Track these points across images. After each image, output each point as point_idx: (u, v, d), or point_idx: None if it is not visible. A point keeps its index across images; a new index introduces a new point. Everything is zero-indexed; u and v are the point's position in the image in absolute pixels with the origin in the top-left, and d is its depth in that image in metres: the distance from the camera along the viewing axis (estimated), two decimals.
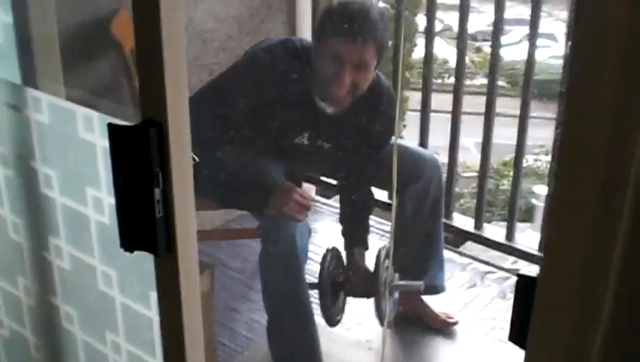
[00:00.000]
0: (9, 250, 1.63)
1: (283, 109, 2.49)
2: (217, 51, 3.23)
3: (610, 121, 0.73)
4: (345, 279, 2.66)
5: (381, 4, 3.24)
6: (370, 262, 2.71)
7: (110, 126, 1.14)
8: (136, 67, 2.80)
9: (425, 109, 3.46)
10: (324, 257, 2.56)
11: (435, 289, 2.83)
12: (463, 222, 3.47)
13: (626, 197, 0.72)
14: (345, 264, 2.69)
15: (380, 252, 2.62)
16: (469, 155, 9.97)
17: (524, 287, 0.90)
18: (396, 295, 2.74)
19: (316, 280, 2.56)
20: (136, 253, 1.20)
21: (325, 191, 3.74)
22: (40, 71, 1.42)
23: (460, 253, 3.39)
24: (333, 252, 2.60)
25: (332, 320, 2.64)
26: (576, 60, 0.75)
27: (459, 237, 3.61)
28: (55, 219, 1.45)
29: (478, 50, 16.14)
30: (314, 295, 2.56)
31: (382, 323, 2.62)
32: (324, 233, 3.47)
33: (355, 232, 2.78)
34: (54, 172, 1.40)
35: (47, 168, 1.42)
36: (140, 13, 1.08)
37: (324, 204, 3.76)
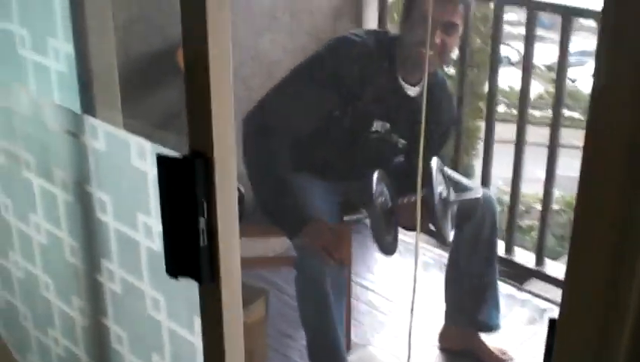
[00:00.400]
0: (66, 271, 1.68)
1: (365, 93, 2.55)
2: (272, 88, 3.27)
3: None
4: (395, 206, 2.58)
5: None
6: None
7: (159, 157, 1.18)
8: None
9: (488, 139, 3.44)
10: (370, 180, 2.51)
11: (490, 327, 2.81)
12: (526, 258, 3.43)
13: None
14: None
15: (430, 167, 2.51)
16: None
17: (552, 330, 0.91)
18: (455, 208, 2.63)
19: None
20: (182, 279, 1.23)
21: None
22: (98, 100, 1.48)
23: (520, 289, 3.35)
24: (380, 175, 2.54)
25: (386, 247, 2.58)
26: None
27: (520, 274, 3.56)
28: (108, 243, 1.49)
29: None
30: None
31: (444, 242, 2.61)
32: (384, 262, 3.47)
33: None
34: (108, 197, 1.45)
35: (102, 193, 1.47)
36: (189, 51, 1.12)
37: None
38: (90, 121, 1.43)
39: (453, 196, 2.57)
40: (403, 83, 2.61)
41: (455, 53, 3.18)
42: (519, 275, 3.65)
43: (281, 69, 3.21)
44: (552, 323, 0.92)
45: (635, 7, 0.71)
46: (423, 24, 2.40)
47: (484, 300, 2.77)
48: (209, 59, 1.09)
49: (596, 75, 0.76)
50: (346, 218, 2.69)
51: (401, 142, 2.66)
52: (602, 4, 0.74)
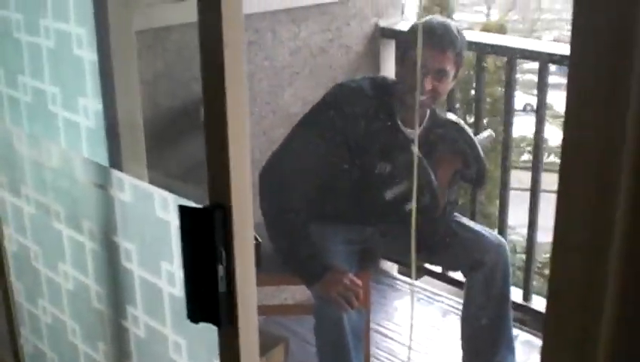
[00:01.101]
0: (92, 317, 1.76)
1: (366, 136, 2.66)
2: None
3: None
4: None
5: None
6: None
7: (181, 208, 1.26)
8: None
9: (505, 188, 3.51)
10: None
11: None
12: (544, 304, 3.47)
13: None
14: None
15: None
16: None
17: None
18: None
19: None
20: (201, 324, 1.31)
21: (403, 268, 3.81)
22: (125, 154, 1.57)
23: (536, 335, 3.38)
24: None
25: None
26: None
27: (537, 321, 3.60)
28: (133, 290, 1.57)
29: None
30: None
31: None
32: (403, 310, 3.52)
33: None
34: (134, 246, 1.53)
35: (127, 243, 1.55)
36: (209, 107, 1.21)
37: (404, 282, 3.81)
38: (117, 174, 1.52)
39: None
40: (402, 126, 2.71)
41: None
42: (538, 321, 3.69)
43: None
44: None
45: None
46: (415, 71, 2.52)
47: (498, 344, 2.81)
48: (227, 115, 1.17)
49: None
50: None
51: (406, 184, 2.74)
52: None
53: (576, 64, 0.85)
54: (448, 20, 2.75)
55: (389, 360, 3.22)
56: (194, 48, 1.13)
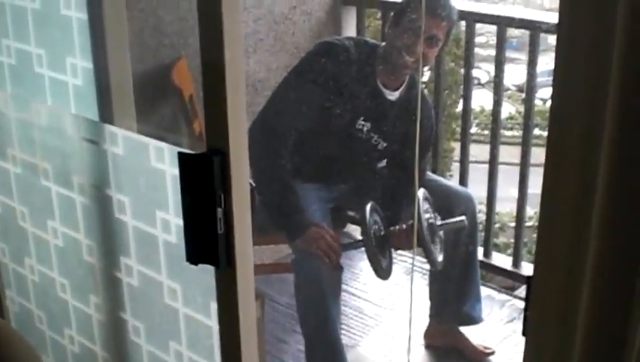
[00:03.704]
0: (82, 270, 1.82)
1: (347, 91, 2.75)
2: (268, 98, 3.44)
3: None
4: (388, 233, 2.77)
5: None
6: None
7: (180, 154, 1.33)
8: (195, 110, 3.02)
9: (464, 160, 3.61)
10: (364, 212, 2.70)
11: (473, 319, 2.98)
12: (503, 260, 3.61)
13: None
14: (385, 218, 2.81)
15: (417, 199, 2.67)
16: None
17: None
18: (441, 233, 2.81)
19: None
20: (198, 267, 1.38)
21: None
22: (116, 109, 1.63)
23: (499, 291, 3.51)
24: (372, 206, 2.73)
25: (382, 273, 2.76)
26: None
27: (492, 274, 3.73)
28: (126, 241, 1.63)
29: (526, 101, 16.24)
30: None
31: (435, 266, 2.77)
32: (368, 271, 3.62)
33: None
34: (127, 198, 1.59)
35: (120, 195, 1.61)
36: (207, 58, 1.27)
37: None
38: (110, 128, 1.58)
39: (439, 222, 2.75)
40: (382, 87, 2.79)
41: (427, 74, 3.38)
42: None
43: (266, 86, 3.38)
44: (528, 279, 1.10)
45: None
46: (409, 33, 2.65)
47: (466, 294, 2.93)
48: (225, 65, 1.24)
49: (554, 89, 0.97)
50: (343, 245, 2.86)
51: (382, 144, 2.83)
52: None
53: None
54: None
55: (357, 316, 3.33)
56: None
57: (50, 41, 1.73)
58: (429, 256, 2.73)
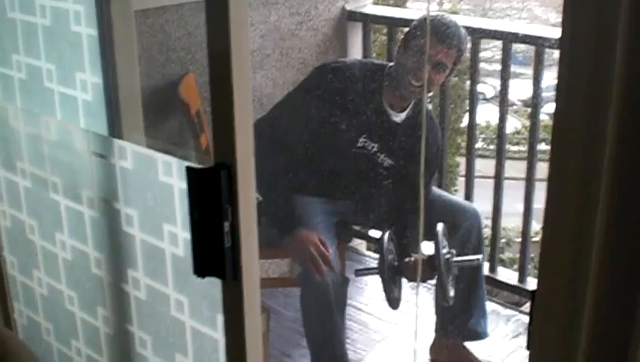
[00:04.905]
0: (90, 283, 1.84)
1: (351, 110, 2.79)
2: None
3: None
4: (403, 265, 2.81)
5: None
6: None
7: (188, 169, 1.35)
8: (202, 124, 3.04)
9: (469, 174, 3.63)
10: (381, 242, 2.75)
11: (478, 335, 2.98)
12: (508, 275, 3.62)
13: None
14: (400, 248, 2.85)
15: (437, 233, 2.73)
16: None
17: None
18: (455, 271, 2.85)
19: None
20: (205, 280, 1.39)
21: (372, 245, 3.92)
22: (125, 124, 1.65)
23: (505, 306, 3.52)
24: (389, 236, 2.77)
25: (393, 303, 2.82)
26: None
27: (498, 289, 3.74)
28: (134, 254, 1.65)
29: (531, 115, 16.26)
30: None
31: (447, 301, 2.80)
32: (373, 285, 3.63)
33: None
34: (135, 211, 1.61)
35: (128, 209, 1.63)
36: (215, 71, 1.29)
37: (372, 258, 3.92)
38: (119, 143, 1.60)
39: (455, 258, 2.78)
40: (388, 109, 2.82)
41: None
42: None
43: (272, 101, 3.40)
44: (533, 293, 1.12)
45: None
46: (417, 58, 2.69)
47: (472, 310, 2.94)
48: (232, 79, 1.26)
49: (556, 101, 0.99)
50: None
51: (388, 162, 2.85)
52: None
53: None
54: (456, 20, 2.88)
55: (364, 331, 3.34)
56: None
57: (60, 57, 1.75)
58: (443, 293, 2.77)
